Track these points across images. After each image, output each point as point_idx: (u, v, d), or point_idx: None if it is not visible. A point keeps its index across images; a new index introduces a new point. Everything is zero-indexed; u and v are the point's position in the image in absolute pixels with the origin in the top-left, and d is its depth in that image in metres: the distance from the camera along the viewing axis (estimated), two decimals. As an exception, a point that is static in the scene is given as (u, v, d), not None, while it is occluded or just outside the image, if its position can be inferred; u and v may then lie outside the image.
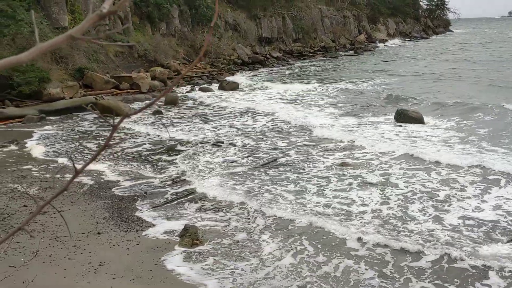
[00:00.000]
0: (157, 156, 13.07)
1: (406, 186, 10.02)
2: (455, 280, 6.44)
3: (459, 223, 8.15)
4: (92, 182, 10.78)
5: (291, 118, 17.66)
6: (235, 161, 12.31)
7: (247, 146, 13.91)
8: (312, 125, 16.42)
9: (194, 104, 21.95)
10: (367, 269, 6.75)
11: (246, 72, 33.20)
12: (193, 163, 12.27)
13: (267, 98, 22.97)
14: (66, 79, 21.10)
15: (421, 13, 78.34)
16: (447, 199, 9.24)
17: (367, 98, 21.73)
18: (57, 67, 21.38)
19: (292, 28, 43.62)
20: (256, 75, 32.14)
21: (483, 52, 43.92)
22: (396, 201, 9.22)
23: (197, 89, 25.92)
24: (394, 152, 12.58)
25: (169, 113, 19.74)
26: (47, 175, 11.27)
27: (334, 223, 8.19)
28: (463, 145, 13.10)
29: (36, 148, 14.06)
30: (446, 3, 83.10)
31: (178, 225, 8.32)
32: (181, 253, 7.37)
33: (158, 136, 15.48)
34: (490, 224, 8.08)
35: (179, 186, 10.53)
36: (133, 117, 18.47)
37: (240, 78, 30.24)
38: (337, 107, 19.89)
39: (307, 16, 46.17)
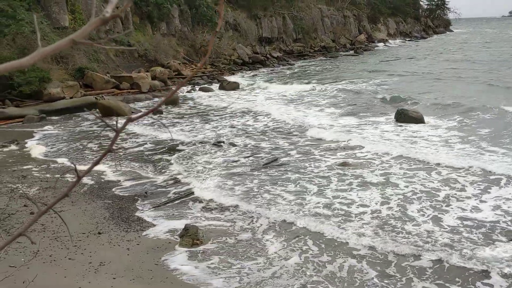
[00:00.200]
0: (158, 156, 13.07)
1: (407, 186, 10.02)
2: (457, 279, 6.44)
3: (458, 224, 8.15)
4: (92, 182, 10.78)
5: (291, 118, 17.66)
6: (236, 161, 12.31)
7: (248, 146, 13.91)
8: (312, 125, 16.43)
9: (194, 104, 21.95)
10: (369, 269, 6.77)
11: (247, 72, 33.20)
12: (192, 163, 12.27)
13: (267, 98, 22.97)
14: (66, 79, 21.11)
15: (421, 13, 78.34)
16: (446, 199, 9.24)
17: (367, 98, 21.73)
18: (57, 67, 21.39)
19: (293, 28, 43.62)
20: (256, 75, 32.14)
21: (483, 52, 43.91)
22: (396, 201, 9.22)
23: (197, 89, 25.92)
24: (394, 152, 12.57)
25: (170, 113, 19.74)
26: (48, 175, 11.28)
27: (332, 228, 8.10)
28: (464, 145, 13.10)
29: (35, 148, 14.06)
30: (447, 3, 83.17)
31: (178, 225, 8.32)
32: (186, 251, 7.38)
33: (155, 137, 15.47)
34: (490, 225, 8.08)
35: (178, 186, 10.52)
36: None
37: (240, 78, 30.25)
38: (337, 107, 19.89)
39: (308, 16, 46.17)
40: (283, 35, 42.57)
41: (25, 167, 12.06)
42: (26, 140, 15.06)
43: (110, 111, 17.63)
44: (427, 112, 17.48)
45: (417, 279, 6.49)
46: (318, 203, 9.24)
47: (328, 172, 11.13)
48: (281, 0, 43.30)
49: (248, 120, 17.82)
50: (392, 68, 33.58)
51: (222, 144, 14.05)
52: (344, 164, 11.66)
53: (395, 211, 8.75)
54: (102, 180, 11.00)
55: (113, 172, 11.63)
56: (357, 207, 8.99)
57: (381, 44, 55.78)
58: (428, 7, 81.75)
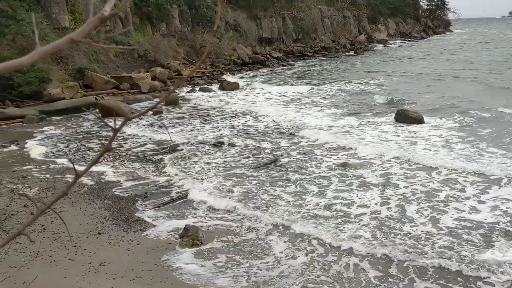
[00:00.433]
0: (158, 157, 13.06)
1: (406, 187, 10.02)
2: (459, 280, 6.44)
3: (457, 225, 8.15)
4: (92, 183, 10.78)
5: (291, 118, 17.66)
6: (236, 162, 12.31)
7: (248, 146, 13.91)
8: (312, 125, 16.43)
9: (194, 104, 21.94)
10: (372, 269, 6.77)
11: (247, 72, 33.20)
12: (192, 164, 12.26)
13: (267, 99, 22.97)
14: (66, 79, 21.11)
15: (421, 13, 78.36)
16: (446, 200, 9.25)
17: (367, 98, 21.72)
18: (57, 68, 21.39)
19: (293, 28, 43.63)
20: (256, 75, 32.14)
21: (483, 52, 43.92)
22: (396, 201, 9.22)
23: (197, 89, 25.92)
24: (394, 153, 12.57)
25: (170, 113, 19.74)
26: (47, 176, 11.27)
27: (326, 233, 8.00)
28: (464, 145, 13.10)
29: (35, 148, 14.05)
30: (446, 3, 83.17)
31: (179, 225, 8.33)
32: (186, 251, 7.38)
33: (153, 138, 15.46)
34: (491, 226, 8.08)
35: (178, 187, 10.52)
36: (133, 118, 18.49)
37: (240, 78, 30.25)
38: (337, 108, 19.88)
39: (308, 16, 46.17)
40: (283, 36, 42.58)
41: (25, 167, 12.06)
42: (26, 141, 15.06)
43: (110, 111, 17.62)
44: (427, 112, 17.48)
45: (418, 279, 6.49)
46: (318, 204, 9.24)
47: (328, 173, 11.13)
48: (281, 1, 43.30)
49: (248, 121, 17.82)
50: (392, 69, 33.59)
51: (222, 144, 14.05)
52: (344, 165, 11.66)
53: (394, 211, 8.75)
54: (102, 181, 10.99)
55: (113, 173, 11.63)
56: (357, 208, 8.99)
57: (381, 45, 55.78)
58: (428, 7, 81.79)
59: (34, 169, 11.86)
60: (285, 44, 42.76)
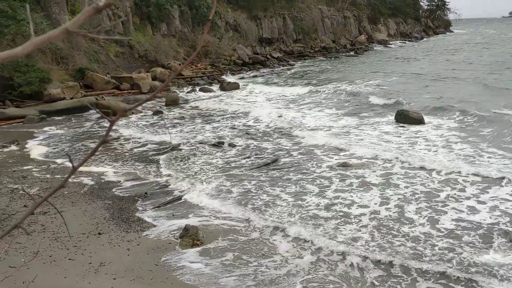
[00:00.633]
0: (159, 157, 13.06)
1: (407, 187, 10.02)
2: (461, 280, 6.43)
3: (457, 227, 8.15)
4: (92, 183, 10.77)
5: (291, 119, 17.66)
6: (235, 162, 12.30)
7: (247, 146, 13.90)
8: (312, 125, 16.43)
9: (195, 104, 21.93)
10: (375, 269, 6.78)
11: (247, 72, 33.19)
12: (192, 164, 12.26)
13: (267, 99, 22.97)
14: (66, 79, 21.11)
15: (421, 14, 78.33)
16: (446, 200, 9.24)
17: (368, 98, 21.69)
18: (57, 68, 21.40)
19: (293, 28, 43.62)
20: (256, 75, 32.12)
21: (483, 53, 43.89)
22: (395, 201, 9.21)
23: (197, 89, 25.91)
24: (394, 153, 12.57)
25: (170, 113, 19.74)
26: (48, 176, 11.27)
27: (321, 236, 7.88)
28: (464, 145, 13.09)
29: (36, 149, 14.05)
30: (447, 3, 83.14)
31: (179, 225, 8.32)
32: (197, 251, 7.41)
33: (153, 139, 15.45)
34: (491, 226, 8.07)
35: (178, 187, 10.52)
36: (133, 118, 18.48)
37: (240, 78, 30.24)
38: (337, 108, 19.87)
39: (308, 16, 46.17)
40: (283, 36, 42.58)
41: (25, 167, 12.06)
42: (27, 141, 15.06)
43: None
44: (427, 112, 17.47)
45: (421, 279, 6.48)
46: (318, 204, 9.24)
47: (329, 173, 11.12)
48: (282, 1, 43.29)
49: (249, 121, 17.81)
50: (392, 69, 33.58)
51: (222, 145, 14.04)
52: (345, 165, 11.65)
53: (393, 212, 8.74)
54: (102, 181, 10.99)
55: (114, 173, 11.63)
56: (356, 208, 8.98)
57: (381, 45, 55.75)
58: (428, 7, 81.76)
59: (34, 169, 11.86)
60: (285, 44, 42.75)
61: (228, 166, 11.96)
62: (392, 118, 16.91)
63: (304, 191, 9.96)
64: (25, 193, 9.63)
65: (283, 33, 42.57)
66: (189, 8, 32.64)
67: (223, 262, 7.08)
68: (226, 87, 26.03)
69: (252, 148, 13.67)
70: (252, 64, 35.20)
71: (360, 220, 8.38)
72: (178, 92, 24.62)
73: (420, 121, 16.06)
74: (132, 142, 14.88)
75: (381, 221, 8.31)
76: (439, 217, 8.41)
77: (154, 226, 8.44)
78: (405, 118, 16.24)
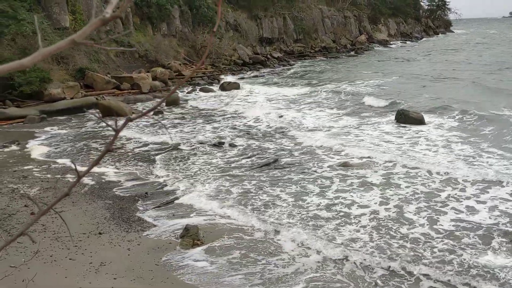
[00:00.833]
0: (159, 157, 13.07)
1: (408, 187, 10.03)
2: (463, 280, 6.45)
3: (457, 227, 8.16)
4: (93, 183, 10.79)
5: (291, 119, 17.67)
6: (235, 162, 12.32)
7: (249, 146, 13.92)
8: (312, 125, 16.44)
9: (195, 104, 21.95)
10: (379, 268, 6.80)
11: (247, 72, 33.19)
12: (192, 164, 12.27)
13: (268, 99, 22.98)
14: (67, 79, 21.12)
15: (422, 14, 78.30)
16: (446, 201, 9.26)
17: (368, 98, 21.69)
18: (58, 68, 21.40)
19: (293, 28, 43.62)
20: (257, 75, 32.13)
21: (484, 53, 43.89)
22: (395, 201, 9.23)
23: (198, 89, 25.93)
24: (394, 153, 12.58)
25: (171, 113, 19.75)
26: (48, 175, 11.28)
27: (320, 241, 7.68)
28: (464, 146, 13.10)
29: (36, 149, 14.06)
30: (447, 3, 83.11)
31: (179, 225, 8.33)
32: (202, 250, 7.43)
33: (153, 139, 15.46)
34: (490, 227, 8.09)
35: (178, 187, 10.53)
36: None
37: (240, 78, 30.24)
38: (338, 108, 19.89)
39: (308, 16, 46.16)
40: (283, 36, 42.57)
41: (26, 167, 12.07)
42: (28, 141, 15.07)
43: (110, 111, 17.64)
44: (427, 112, 17.48)
45: (424, 278, 6.50)
46: (319, 204, 9.25)
47: (329, 173, 11.13)
48: (282, 1, 43.28)
49: (249, 121, 17.82)
50: (392, 69, 33.59)
51: (222, 145, 14.06)
52: (345, 165, 11.66)
53: (392, 212, 8.76)
54: (103, 181, 11.00)
55: (114, 173, 11.64)
56: (356, 208, 9.00)
57: (381, 45, 55.74)
58: (429, 7, 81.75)
59: (35, 169, 11.87)
60: (286, 44, 42.75)
61: (229, 166, 11.97)
62: (392, 118, 16.92)
63: (305, 191, 9.97)
64: (26, 196, 9.64)
65: (284, 33, 42.57)
66: (189, 8, 32.65)
67: (229, 260, 7.10)
68: (227, 87, 26.04)
69: (253, 148, 13.69)
70: (253, 64, 35.20)
71: (362, 221, 8.39)
72: (178, 92, 24.63)
73: (421, 121, 16.07)
74: (134, 141, 14.89)
75: (380, 221, 8.32)
76: (439, 217, 8.43)
77: (155, 226, 8.46)
78: (405, 118, 16.25)
